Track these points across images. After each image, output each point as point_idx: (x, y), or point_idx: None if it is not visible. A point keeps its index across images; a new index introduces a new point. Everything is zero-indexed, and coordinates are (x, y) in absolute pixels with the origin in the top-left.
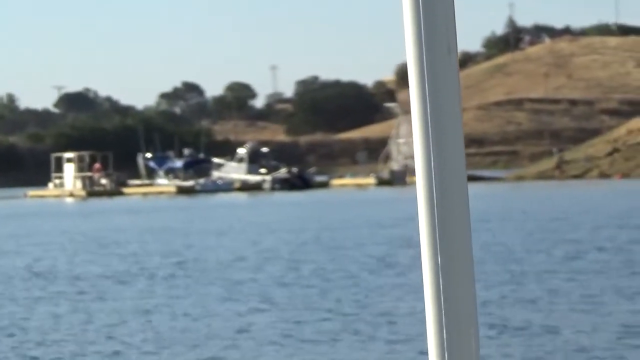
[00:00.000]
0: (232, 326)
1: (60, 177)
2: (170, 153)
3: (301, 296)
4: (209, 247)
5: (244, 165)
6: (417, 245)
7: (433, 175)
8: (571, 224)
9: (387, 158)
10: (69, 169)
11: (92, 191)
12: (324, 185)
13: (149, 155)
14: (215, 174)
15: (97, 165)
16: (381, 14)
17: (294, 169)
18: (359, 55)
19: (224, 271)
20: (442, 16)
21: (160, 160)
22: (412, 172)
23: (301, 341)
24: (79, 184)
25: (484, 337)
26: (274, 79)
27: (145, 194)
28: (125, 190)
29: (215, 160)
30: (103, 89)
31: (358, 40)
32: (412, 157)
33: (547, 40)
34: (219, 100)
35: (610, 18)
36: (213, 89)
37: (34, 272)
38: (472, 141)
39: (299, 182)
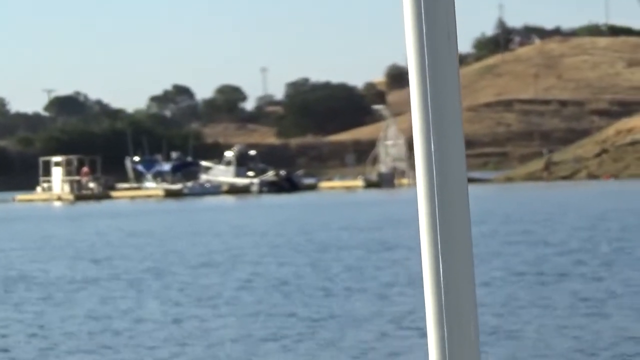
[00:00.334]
0: (183, 331)
1: (49, 181)
2: (158, 156)
3: (262, 300)
4: (182, 251)
5: (231, 168)
6: (392, 248)
7: (434, 166)
8: (547, 226)
9: (376, 160)
10: (57, 173)
11: (80, 195)
12: (312, 187)
13: (136, 158)
14: (204, 177)
15: (85, 169)
16: (372, 15)
17: (282, 172)
18: (349, 56)
19: (190, 276)
20: (442, 1)
21: (148, 163)
22: (401, 174)
23: (254, 346)
24: (66, 187)
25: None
26: (264, 81)
27: (133, 198)
28: (113, 193)
29: (204, 163)
30: (93, 93)
31: (348, 41)
32: (400, 159)
33: (537, 41)
34: (209, 103)
35: (600, 19)
36: (204, 91)
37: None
38: None
39: (286, 185)
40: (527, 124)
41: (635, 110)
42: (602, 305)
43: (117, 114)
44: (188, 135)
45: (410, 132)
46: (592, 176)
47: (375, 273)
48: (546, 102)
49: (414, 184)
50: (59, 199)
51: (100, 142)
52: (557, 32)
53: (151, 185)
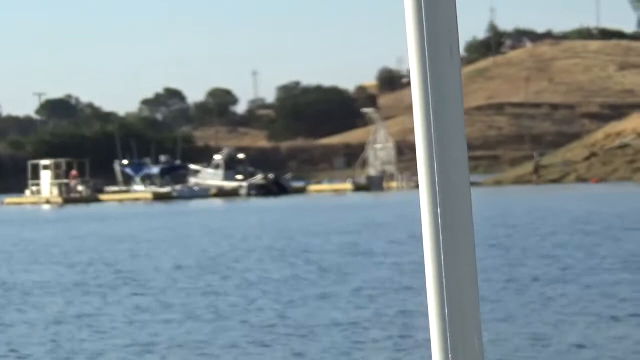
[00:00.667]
0: (140, 337)
1: (37, 184)
2: (147, 159)
3: (226, 305)
4: (156, 255)
5: (220, 172)
6: (365, 253)
7: (436, 177)
8: (524, 229)
9: (365, 164)
10: (46, 176)
11: (69, 198)
12: (301, 191)
13: (125, 161)
14: (192, 180)
15: (73, 172)
16: (363, 19)
17: (270, 175)
18: (341, 60)
19: (158, 280)
20: (445, 17)
21: (137, 166)
22: (389, 177)
23: (204, 352)
24: (55, 190)
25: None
26: (255, 84)
27: (121, 201)
28: (102, 196)
29: (192, 166)
30: (85, 96)
31: (339, 45)
32: (389, 162)
33: (528, 45)
34: (201, 106)
35: (591, 22)
36: (195, 94)
37: None
38: None
39: (275, 188)
40: (518, 127)
41: (627, 114)
42: (562, 311)
43: (108, 117)
44: (175, 139)
45: (400, 135)
46: (580, 179)
47: (342, 278)
48: (537, 106)
49: (403, 187)
50: (48, 202)
51: (91, 145)
52: (548, 36)
53: (139, 189)
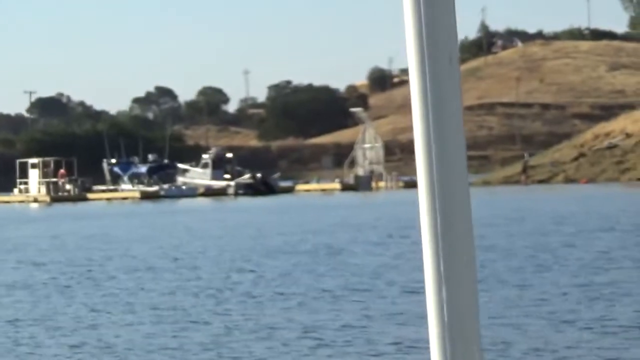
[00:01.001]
0: (93, 338)
1: (26, 183)
2: (135, 158)
3: (185, 307)
4: (126, 254)
5: (208, 171)
6: (338, 253)
7: (435, 183)
8: (500, 231)
9: (353, 163)
10: (34, 175)
11: (57, 197)
12: (289, 190)
13: (113, 160)
14: (180, 179)
15: (61, 171)
16: (354, 18)
17: (258, 175)
18: (332, 59)
19: (121, 280)
20: (444, 26)
21: (125, 165)
22: (378, 177)
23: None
24: (43, 189)
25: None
26: (246, 83)
27: (109, 200)
28: (90, 195)
29: (180, 165)
30: (76, 94)
31: (331, 44)
32: (377, 162)
33: (520, 45)
34: (192, 105)
35: (582, 22)
36: (186, 93)
37: None
38: None
39: (262, 188)
40: (509, 127)
41: (617, 114)
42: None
43: (99, 115)
44: (164, 137)
45: (391, 135)
46: (569, 180)
47: (307, 280)
48: (528, 106)
49: (392, 187)
50: (35, 200)
51: (82, 144)
52: (539, 36)
53: (127, 188)
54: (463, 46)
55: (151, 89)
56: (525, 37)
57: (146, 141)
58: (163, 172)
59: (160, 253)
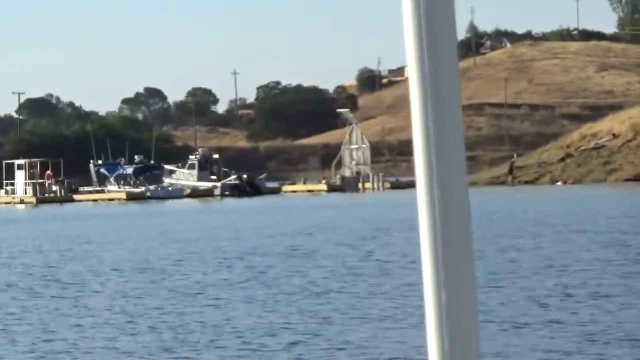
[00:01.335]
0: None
1: (12, 184)
2: (122, 159)
3: (149, 309)
4: (97, 257)
5: (194, 172)
6: (306, 256)
7: (434, 177)
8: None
9: (340, 164)
10: (20, 176)
11: (43, 198)
12: (276, 191)
13: (100, 162)
14: (167, 180)
15: (48, 172)
16: (343, 19)
17: (244, 176)
18: (321, 60)
19: (85, 284)
20: (443, 18)
21: (111, 166)
22: (364, 178)
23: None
24: (30, 190)
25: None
26: (235, 84)
27: (95, 201)
28: (76, 197)
29: (167, 166)
30: (65, 95)
31: (320, 45)
32: (364, 163)
33: (508, 45)
34: (181, 106)
35: (571, 23)
36: (175, 94)
37: None
38: None
39: (248, 189)
40: (498, 127)
41: (606, 115)
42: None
43: (88, 116)
44: (151, 138)
45: (379, 136)
46: (555, 181)
47: (276, 282)
48: (517, 106)
49: (379, 189)
50: (22, 201)
51: (70, 145)
52: (528, 36)
53: (113, 189)
54: None
55: (140, 89)
56: (514, 37)
57: (134, 142)
58: (149, 173)
59: (128, 255)
